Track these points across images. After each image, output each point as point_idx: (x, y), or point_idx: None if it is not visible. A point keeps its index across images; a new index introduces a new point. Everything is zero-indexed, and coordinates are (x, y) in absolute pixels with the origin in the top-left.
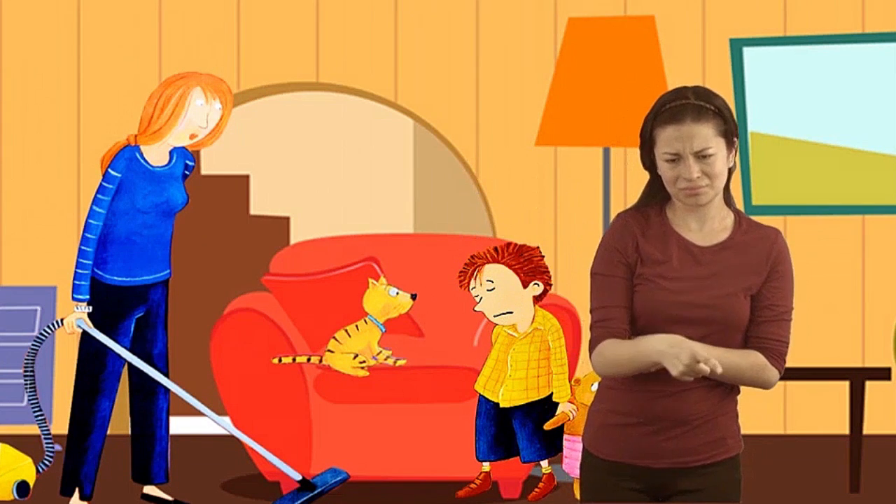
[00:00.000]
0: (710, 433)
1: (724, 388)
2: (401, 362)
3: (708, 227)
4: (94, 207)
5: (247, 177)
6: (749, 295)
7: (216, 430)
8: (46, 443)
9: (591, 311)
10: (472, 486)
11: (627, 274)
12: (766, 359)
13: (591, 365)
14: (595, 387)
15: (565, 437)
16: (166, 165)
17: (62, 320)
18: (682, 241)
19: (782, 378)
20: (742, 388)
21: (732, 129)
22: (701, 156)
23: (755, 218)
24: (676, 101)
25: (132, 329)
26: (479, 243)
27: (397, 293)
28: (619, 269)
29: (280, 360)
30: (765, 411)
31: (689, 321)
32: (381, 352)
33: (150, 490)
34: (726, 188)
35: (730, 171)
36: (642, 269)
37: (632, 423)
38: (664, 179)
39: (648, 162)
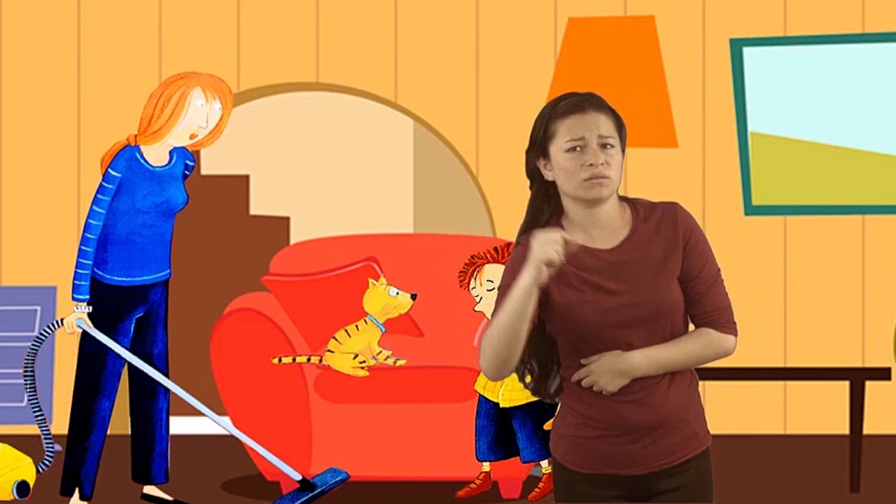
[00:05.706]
0: (683, 430)
1: (685, 382)
2: (401, 362)
3: (609, 228)
4: (94, 207)
5: (247, 177)
6: (675, 277)
7: (216, 430)
8: (46, 443)
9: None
10: (472, 486)
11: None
12: (717, 330)
13: (481, 365)
14: None
15: None
16: (166, 165)
17: (62, 320)
18: (589, 251)
19: (782, 378)
20: (740, 387)
21: (625, 132)
22: (603, 144)
23: (754, 218)
24: (574, 97)
25: (132, 329)
26: (479, 243)
27: (397, 293)
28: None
29: (280, 360)
30: (765, 411)
31: (627, 324)
32: (381, 352)
33: (150, 490)
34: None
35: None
36: (560, 290)
37: (607, 434)
38: (564, 174)
39: (533, 167)
